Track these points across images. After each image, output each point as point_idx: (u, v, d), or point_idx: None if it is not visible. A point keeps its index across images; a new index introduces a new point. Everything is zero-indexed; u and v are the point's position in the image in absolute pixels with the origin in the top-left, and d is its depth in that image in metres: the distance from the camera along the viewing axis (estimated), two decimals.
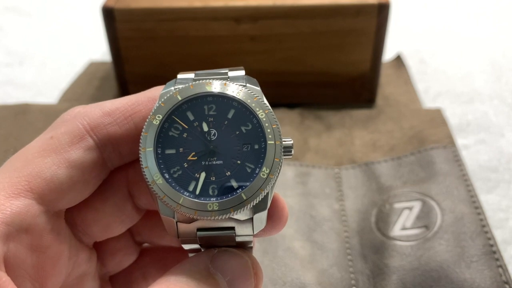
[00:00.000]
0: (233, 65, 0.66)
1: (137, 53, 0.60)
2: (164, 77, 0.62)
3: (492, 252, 0.39)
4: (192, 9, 0.57)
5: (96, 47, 0.78)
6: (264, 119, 0.25)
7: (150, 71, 0.62)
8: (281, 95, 0.62)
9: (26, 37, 0.84)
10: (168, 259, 0.32)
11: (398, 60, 0.72)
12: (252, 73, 0.27)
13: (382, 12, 0.56)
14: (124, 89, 0.63)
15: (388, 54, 0.69)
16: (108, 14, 0.57)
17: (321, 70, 0.61)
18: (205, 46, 0.59)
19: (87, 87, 0.69)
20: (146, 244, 0.33)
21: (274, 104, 0.26)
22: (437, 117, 0.56)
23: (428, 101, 0.65)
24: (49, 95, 0.68)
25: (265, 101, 0.25)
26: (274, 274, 0.40)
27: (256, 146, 0.24)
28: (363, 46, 0.59)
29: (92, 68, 0.73)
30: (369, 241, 0.43)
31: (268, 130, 0.24)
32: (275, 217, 0.26)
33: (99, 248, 0.29)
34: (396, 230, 0.43)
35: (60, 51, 0.79)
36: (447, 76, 0.70)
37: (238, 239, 0.25)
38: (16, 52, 0.79)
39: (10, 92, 0.69)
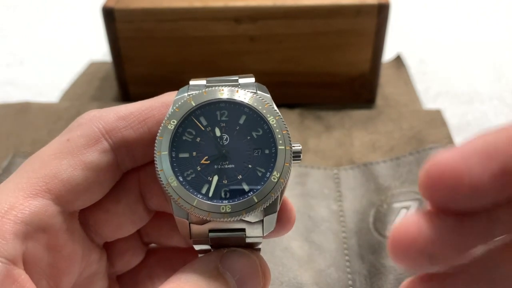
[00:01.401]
0: (233, 65, 0.67)
1: (137, 53, 0.60)
2: (164, 77, 0.63)
3: None
4: (192, 9, 0.57)
5: (96, 47, 0.78)
6: (274, 125, 0.25)
7: (150, 71, 0.62)
8: (281, 95, 0.62)
9: (26, 37, 0.84)
10: (174, 259, 0.33)
11: (398, 60, 0.72)
12: (252, 73, 0.28)
13: (382, 12, 0.56)
14: (124, 89, 0.63)
15: (388, 54, 0.69)
16: (108, 14, 0.57)
17: (321, 70, 0.61)
18: (205, 46, 0.59)
19: (87, 87, 0.69)
20: (153, 245, 0.33)
21: None
22: (436, 118, 0.56)
23: (428, 101, 0.65)
24: (49, 95, 0.68)
25: (275, 107, 0.26)
26: (271, 274, 0.40)
27: (267, 151, 0.25)
28: (363, 46, 0.59)
29: (92, 68, 0.73)
30: (366, 241, 0.43)
31: (279, 136, 0.25)
32: (283, 218, 0.27)
33: (108, 248, 0.30)
34: None
35: (60, 51, 0.79)
36: (447, 76, 0.70)
37: (248, 240, 0.26)
38: (16, 52, 0.80)
39: (10, 92, 0.69)
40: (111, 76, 0.68)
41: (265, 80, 0.27)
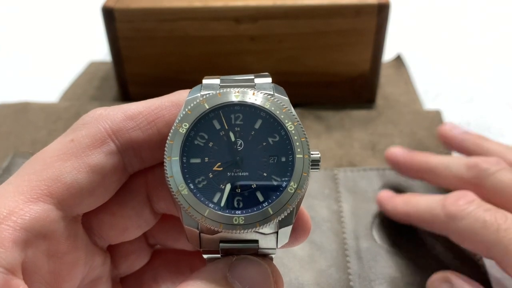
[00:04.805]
0: (233, 65, 0.66)
1: (137, 53, 0.60)
2: (164, 77, 0.63)
3: (486, 281, 0.40)
4: (192, 9, 0.57)
5: (96, 47, 0.78)
6: (293, 131, 0.24)
7: (150, 71, 0.62)
8: None
9: (27, 37, 0.84)
10: (179, 261, 0.32)
11: (398, 60, 0.72)
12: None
13: (382, 12, 0.56)
14: (124, 89, 0.63)
15: (388, 54, 0.69)
16: (108, 14, 0.57)
17: (321, 70, 0.61)
18: (205, 46, 0.59)
19: (87, 87, 0.69)
20: (157, 246, 0.32)
21: None
22: (436, 121, 0.56)
23: (428, 101, 0.65)
24: (49, 95, 0.68)
25: (294, 112, 0.24)
26: None
27: (283, 159, 0.24)
28: (363, 46, 0.59)
29: (92, 68, 0.73)
30: (367, 246, 0.43)
31: (297, 143, 0.24)
32: (298, 230, 0.26)
33: (112, 250, 0.29)
34: (395, 242, 0.44)
35: (60, 51, 0.79)
36: (447, 76, 0.70)
37: (261, 251, 0.25)
38: (17, 52, 0.80)
39: (10, 92, 0.69)
40: (111, 76, 0.68)
41: None
